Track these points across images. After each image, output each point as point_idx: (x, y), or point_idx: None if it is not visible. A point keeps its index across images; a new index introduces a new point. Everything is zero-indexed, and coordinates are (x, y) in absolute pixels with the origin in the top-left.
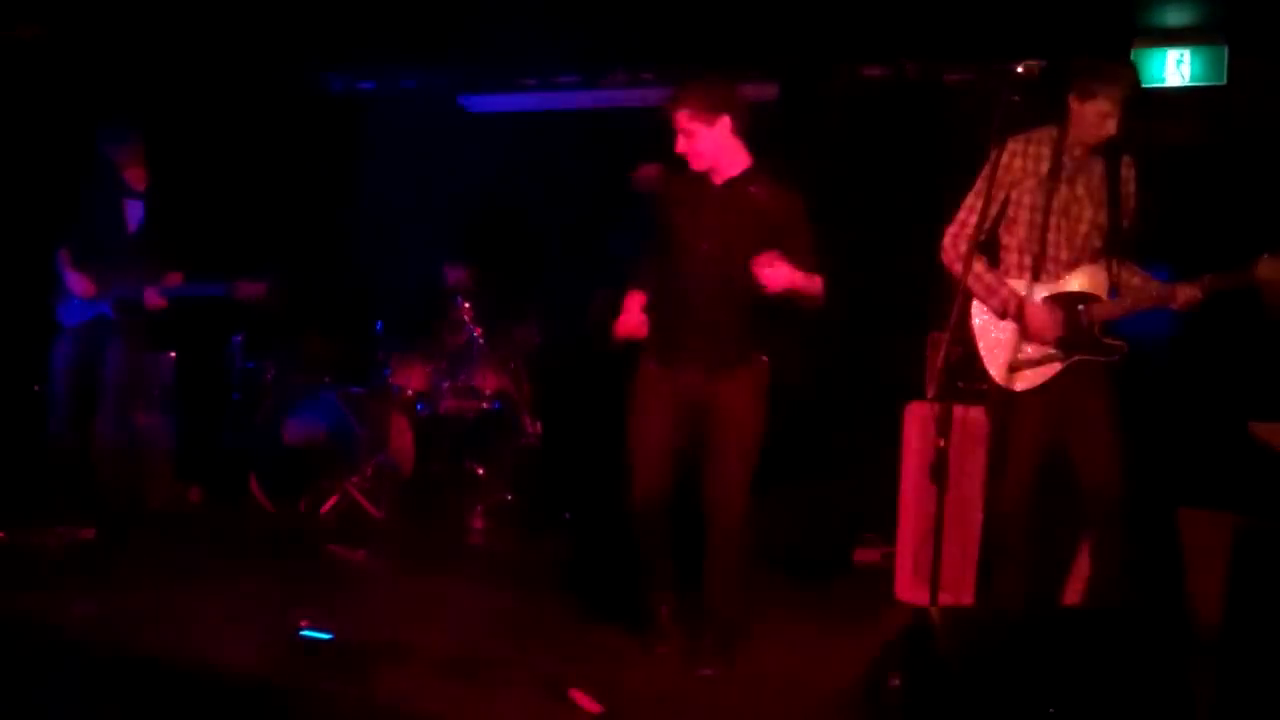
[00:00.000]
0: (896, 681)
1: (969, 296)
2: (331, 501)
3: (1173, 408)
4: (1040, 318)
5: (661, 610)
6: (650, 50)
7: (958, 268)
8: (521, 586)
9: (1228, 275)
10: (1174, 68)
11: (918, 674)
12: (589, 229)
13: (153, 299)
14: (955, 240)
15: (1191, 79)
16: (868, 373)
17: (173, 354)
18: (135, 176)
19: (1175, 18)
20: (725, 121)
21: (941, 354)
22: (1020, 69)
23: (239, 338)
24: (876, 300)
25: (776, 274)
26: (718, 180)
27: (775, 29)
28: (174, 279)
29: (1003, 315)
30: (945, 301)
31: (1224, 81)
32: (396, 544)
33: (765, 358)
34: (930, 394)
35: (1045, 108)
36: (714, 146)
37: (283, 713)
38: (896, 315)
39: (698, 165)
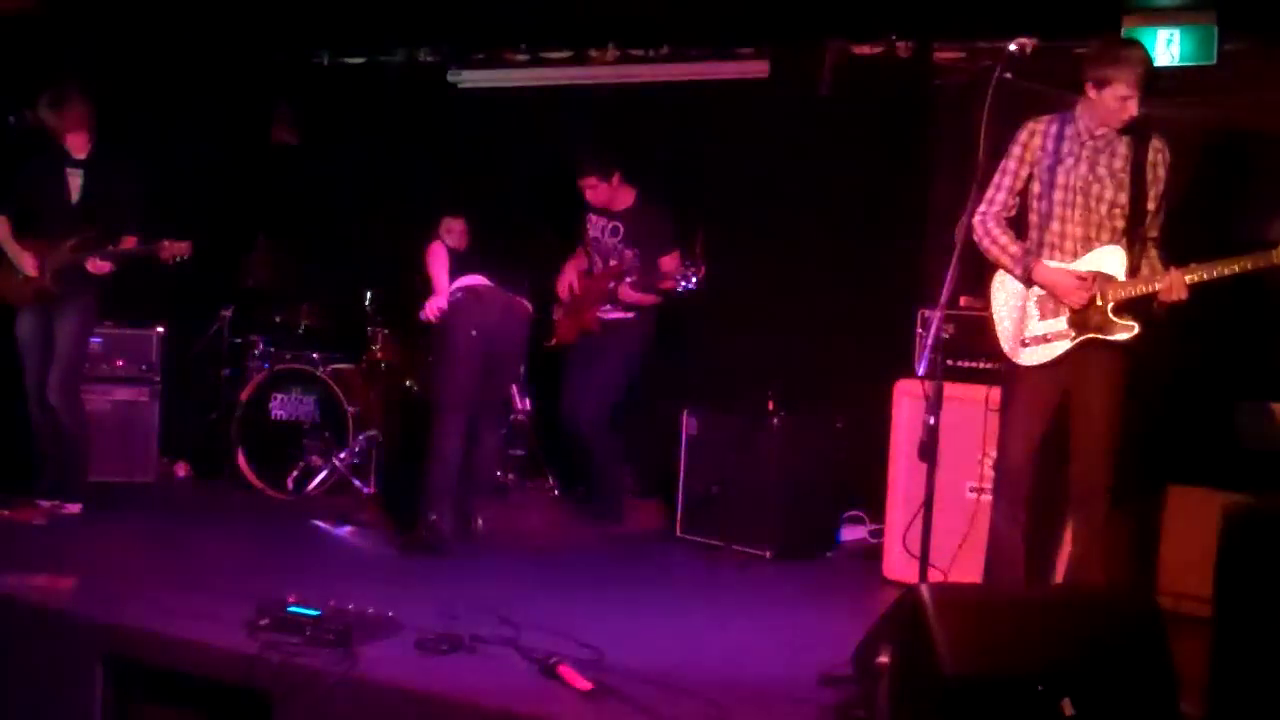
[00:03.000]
0: (885, 658)
1: (991, 271)
2: (320, 478)
3: (1162, 385)
4: (1056, 280)
5: None
6: (641, 27)
7: (985, 244)
8: (510, 563)
9: (1251, 258)
10: (1164, 47)
11: (907, 651)
12: (578, 205)
13: (95, 265)
14: (984, 219)
15: (1181, 58)
16: (855, 348)
17: (160, 328)
18: (76, 143)
19: None
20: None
21: (934, 331)
22: (1013, 47)
23: (227, 312)
24: (864, 276)
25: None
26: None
27: (765, 6)
28: (129, 243)
29: (1028, 282)
30: (935, 278)
31: (1214, 61)
32: (385, 520)
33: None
34: (921, 371)
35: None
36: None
37: (270, 688)
38: (884, 291)
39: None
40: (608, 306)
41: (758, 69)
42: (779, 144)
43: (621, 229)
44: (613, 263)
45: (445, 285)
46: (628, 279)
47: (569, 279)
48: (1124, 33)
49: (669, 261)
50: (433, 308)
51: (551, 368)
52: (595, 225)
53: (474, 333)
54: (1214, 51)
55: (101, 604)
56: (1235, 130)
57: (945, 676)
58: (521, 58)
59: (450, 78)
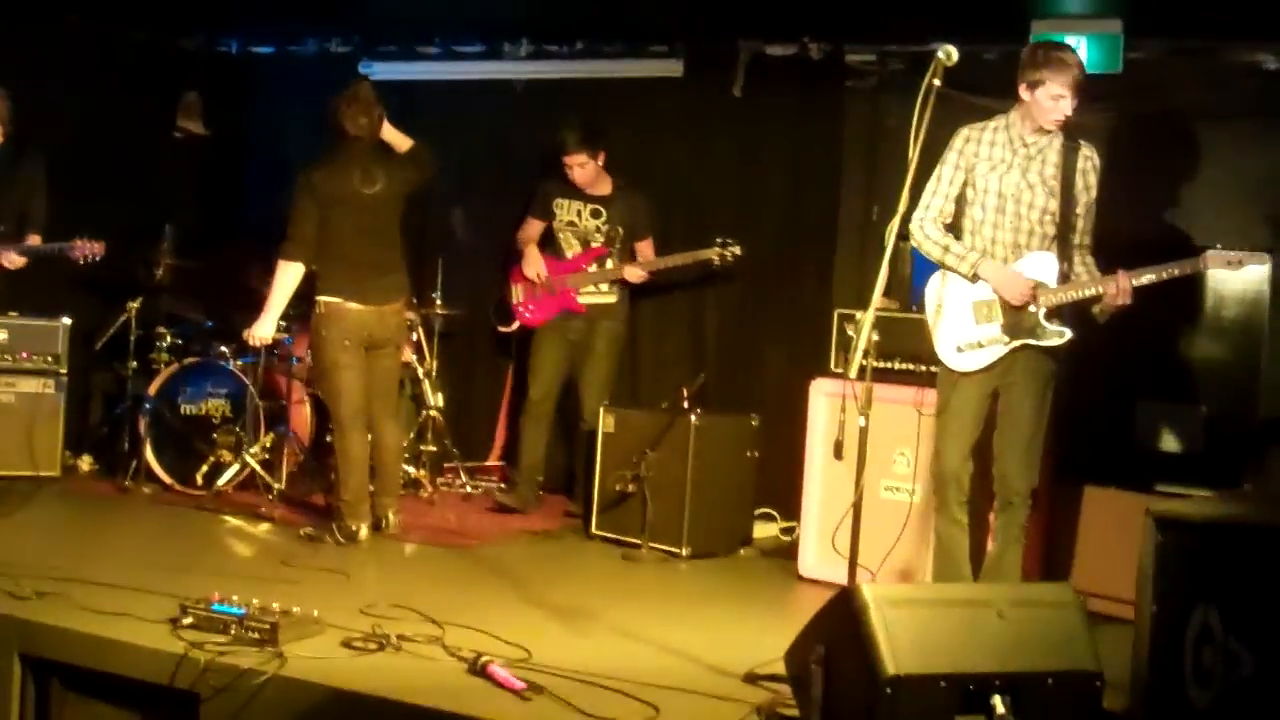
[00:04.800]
0: (820, 659)
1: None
2: (230, 473)
3: (1075, 385)
4: (1003, 275)
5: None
6: (555, 24)
7: (926, 247)
8: (427, 560)
9: (1179, 264)
10: None
11: (844, 651)
12: (489, 201)
13: (9, 260)
14: (922, 224)
15: (1088, 66)
16: (769, 347)
17: (66, 320)
18: None
19: (1072, 4)
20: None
21: (865, 333)
22: (941, 54)
23: (135, 304)
24: (778, 275)
25: None
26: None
27: (680, 5)
28: (32, 239)
29: (974, 279)
30: (848, 278)
31: (1119, 69)
32: (297, 517)
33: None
34: (852, 373)
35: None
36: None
37: (194, 687)
38: (799, 290)
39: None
40: (592, 289)
41: (672, 67)
42: (693, 143)
43: (604, 211)
44: (594, 245)
45: (279, 308)
46: (638, 259)
47: (537, 264)
48: (1032, 39)
49: (646, 247)
50: (259, 335)
51: (467, 361)
52: (569, 209)
53: (347, 342)
54: (1120, 59)
55: (16, 602)
56: (1140, 136)
57: (886, 676)
58: (434, 50)
59: (362, 69)
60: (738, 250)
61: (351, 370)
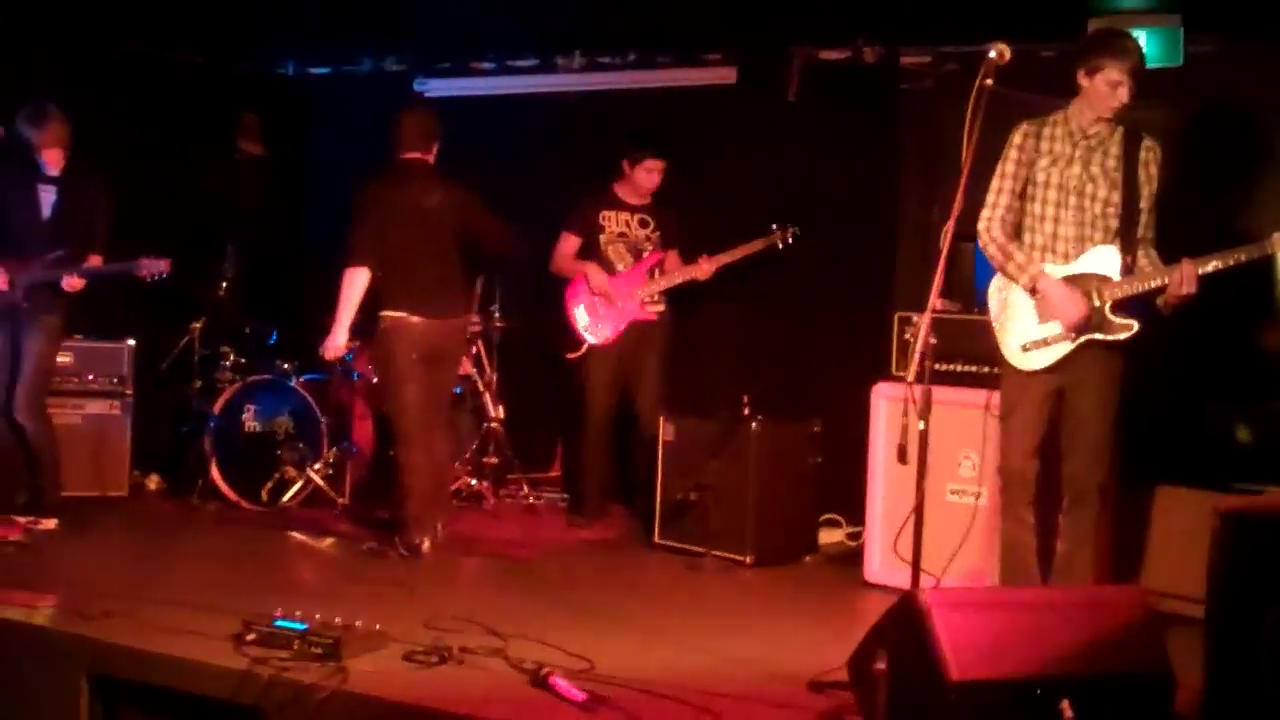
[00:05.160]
0: (883, 665)
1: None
2: (294, 489)
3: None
4: (1061, 295)
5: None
6: (607, 34)
7: (990, 250)
8: (489, 572)
9: (1245, 249)
10: None
11: (906, 656)
12: (544, 214)
13: (70, 283)
14: (988, 224)
15: (1148, 61)
16: (829, 352)
17: (130, 341)
18: (52, 159)
19: None
20: None
21: (923, 336)
22: (993, 54)
23: (198, 324)
24: (837, 280)
25: None
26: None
27: (732, 12)
28: (94, 261)
29: (1033, 293)
30: (907, 281)
31: (1181, 62)
32: (361, 531)
33: None
34: (910, 376)
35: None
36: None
37: (258, 703)
38: (857, 294)
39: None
40: (655, 297)
41: (725, 75)
42: (748, 150)
43: (650, 219)
44: (648, 253)
45: (348, 322)
46: (703, 255)
47: (601, 280)
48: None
49: (674, 257)
50: (331, 350)
51: (531, 373)
52: (617, 221)
53: (413, 356)
54: (1180, 53)
55: (85, 621)
56: (1201, 130)
57: (950, 682)
58: (488, 66)
59: (416, 87)
60: (797, 231)
61: (415, 384)
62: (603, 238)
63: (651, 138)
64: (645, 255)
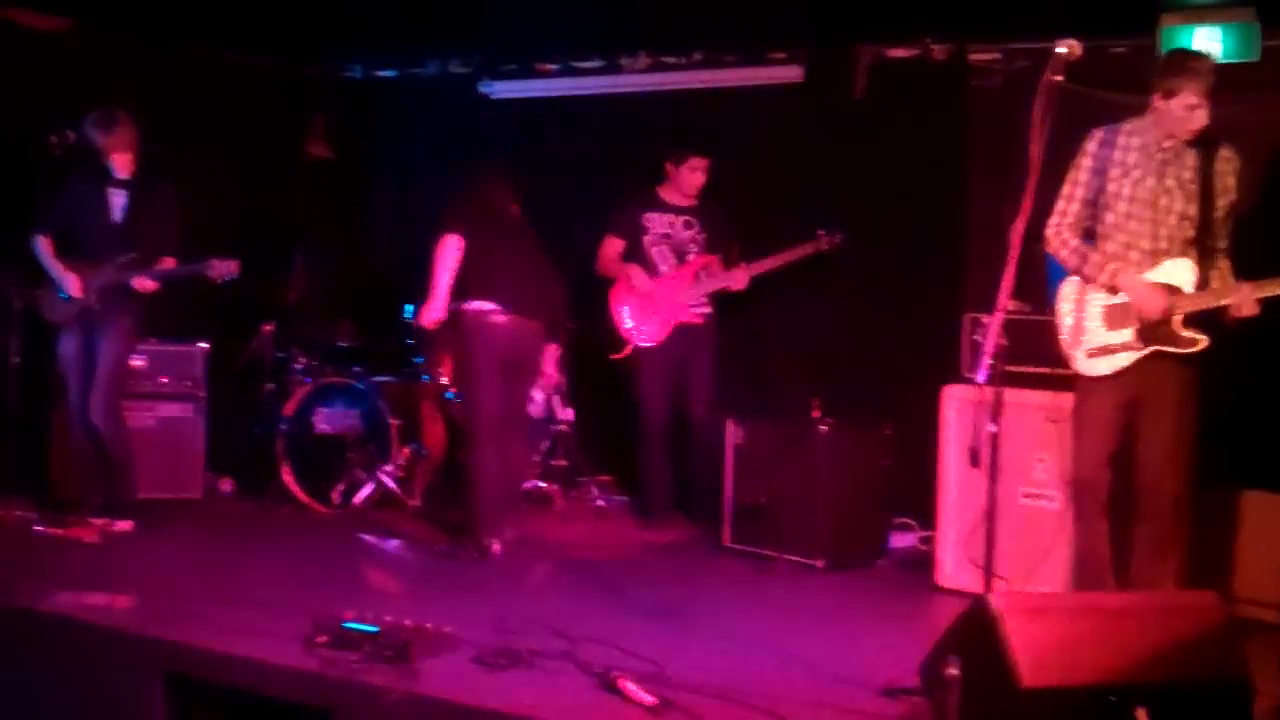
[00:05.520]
0: (955, 671)
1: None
2: (365, 491)
3: (1232, 388)
4: (1142, 288)
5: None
6: (673, 33)
7: (1063, 254)
8: (559, 575)
9: None
10: (1204, 44)
11: (978, 662)
12: (611, 215)
13: (141, 284)
14: (1058, 229)
15: (1223, 56)
16: (899, 354)
17: (204, 345)
18: (121, 163)
19: None
20: None
21: (992, 339)
22: (1062, 49)
23: (269, 327)
24: (905, 281)
25: None
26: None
27: (798, 10)
28: (168, 263)
29: (1112, 291)
30: (978, 282)
31: (1257, 57)
32: (431, 533)
33: None
34: (982, 379)
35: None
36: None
37: (329, 706)
38: (926, 295)
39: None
40: (702, 298)
41: (792, 74)
42: (815, 149)
43: (695, 221)
44: (692, 255)
45: (445, 289)
46: (741, 262)
47: (644, 281)
48: (1162, 31)
49: (716, 261)
50: (428, 316)
51: (601, 376)
52: (660, 223)
53: (495, 355)
54: (1256, 47)
55: (160, 622)
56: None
57: (1022, 688)
58: (553, 67)
59: (482, 89)
60: (841, 235)
61: (492, 384)
62: (646, 239)
63: (692, 136)
64: (690, 258)
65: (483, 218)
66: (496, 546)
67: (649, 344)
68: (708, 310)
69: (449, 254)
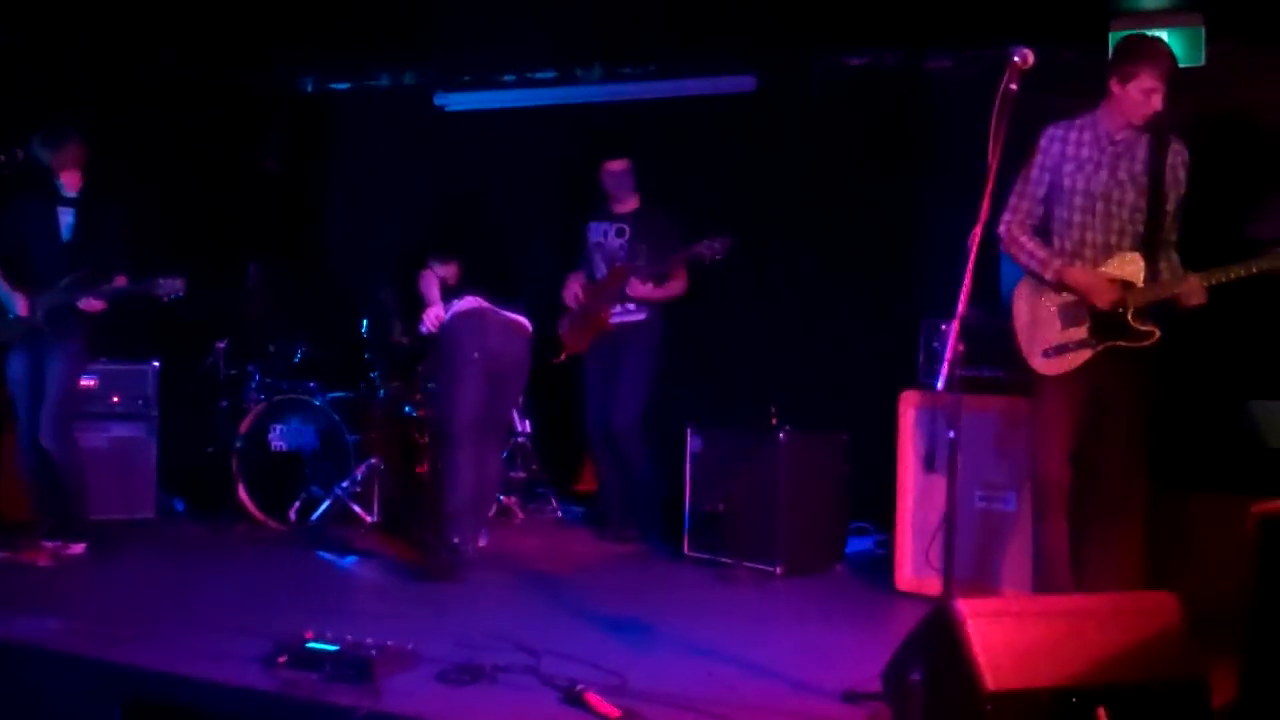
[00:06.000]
0: (917, 676)
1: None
2: (322, 508)
3: (1174, 389)
4: (1089, 279)
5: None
6: (627, 44)
7: (1013, 251)
8: (520, 587)
9: (1266, 259)
10: None
11: (942, 667)
12: (567, 225)
13: (88, 304)
14: (1010, 227)
15: None
16: (856, 360)
17: (155, 363)
18: (70, 181)
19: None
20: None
21: (951, 343)
22: (1017, 58)
23: (222, 344)
24: (862, 288)
25: None
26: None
27: (752, 19)
28: (119, 282)
29: (1060, 286)
30: (934, 288)
31: (1203, 62)
32: (390, 549)
33: None
34: (941, 385)
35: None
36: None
37: None
38: (883, 302)
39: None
40: (619, 309)
41: (746, 83)
42: (772, 158)
43: (628, 229)
44: (617, 263)
45: (439, 299)
46: (634, 274)
47: (574, 289)
48: (1111, 37)
49: (677, 261)
50: (431, 317)
51: (560, 387)
52: (597, 231)
53: (476, 355)
54: (1202, 53)
55: (117, 645)
56: (1227, 129)
57: (985, 692)
58: (508, 79)
59: (437, 101)
60: (723, 242)
61: (473, 385)
62: (589, 248)
63: (609, 141)
64: (615, 266)
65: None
66: (469, 548)
67: (576, 352)
68: (637, 319)
69: (431, 284)
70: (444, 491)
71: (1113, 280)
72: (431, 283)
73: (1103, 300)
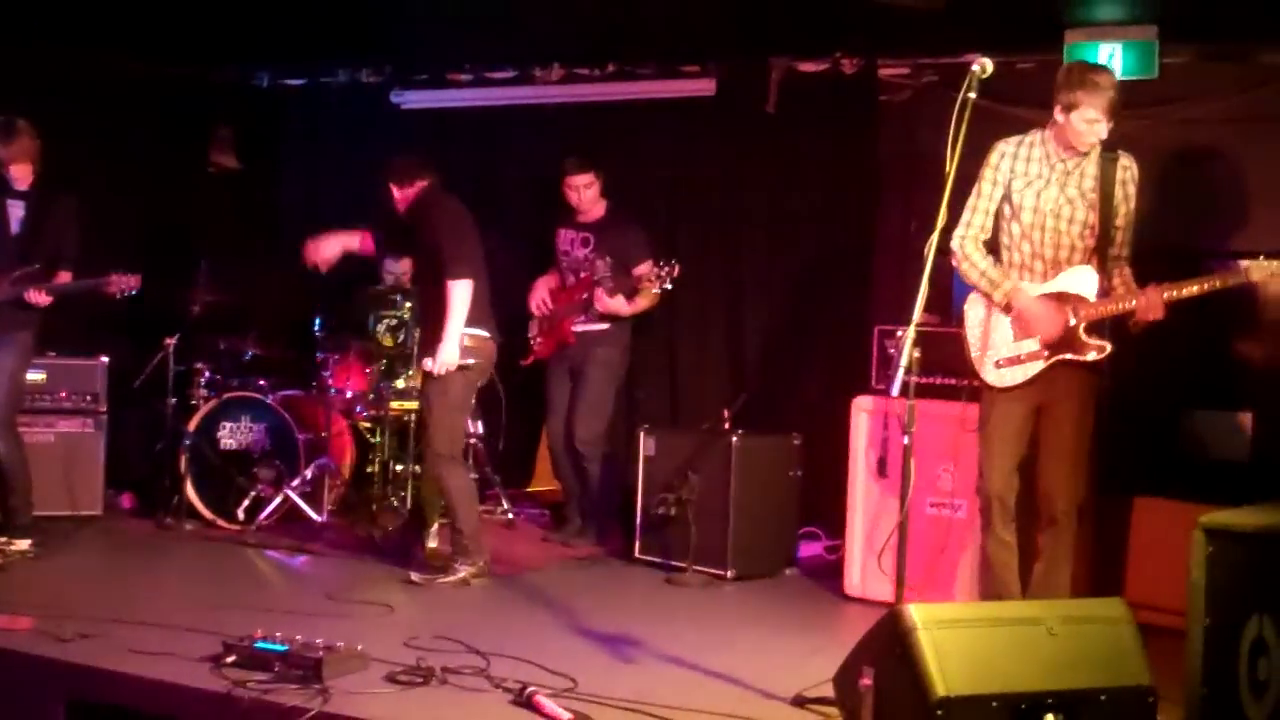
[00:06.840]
0: (868, 681)
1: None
2: (271, 507)
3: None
4: (1038, 311)
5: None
6: (586, 45)
7: (964, 268)
8: (471, 590)
9: (1225, 274)
10: (1105, 62)
11: (893, 672)
12: (524, 227)
13: (36, 298)
14: (962, 243)
15: (1123, 73)
16: (808, 366)
17: (104, 359)
18: (21, 174)
19: (1106, 11)
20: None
21: (907, 350)
22: (975, 67)
23: (171, 341)
24: (816, 293)
25: None
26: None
27: (711, 23)
28: (63, 278)
29: (1006, 310)
30: (886, 295)
31: (1155, 74)
32: (339, 549)
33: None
34: (894, 391)
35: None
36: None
37: None
38: (836, 308)
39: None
40: (582, 318)
41: (704, 87)
42: (727, 162)
43: (592, 240)
44: (584, 274)
45: (460, 329)
46: (601, 288)
47: (541, 295)
48: (1066, 48)
49: (643, 270)
50: (442, 364)
51: (515, 388)
52: (564, 239)
53: (480, 382)
54: (1155, 65)
55: (61, 644)
56: (1176, 141)
57: (936, 698)
58: (465, 78)
59: (393, 99)
60: (670, 269)
61: (469, 411)
62: (558, 255)
63: (571, 154)
64: (581, 277)
65: (475, 254)
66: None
67: (541, 355)
68: (600, 328)
69: (465, 300)
70: (458, 516)
71: (1063, 301)
72: (466, 296)
73: (1050, 331)
